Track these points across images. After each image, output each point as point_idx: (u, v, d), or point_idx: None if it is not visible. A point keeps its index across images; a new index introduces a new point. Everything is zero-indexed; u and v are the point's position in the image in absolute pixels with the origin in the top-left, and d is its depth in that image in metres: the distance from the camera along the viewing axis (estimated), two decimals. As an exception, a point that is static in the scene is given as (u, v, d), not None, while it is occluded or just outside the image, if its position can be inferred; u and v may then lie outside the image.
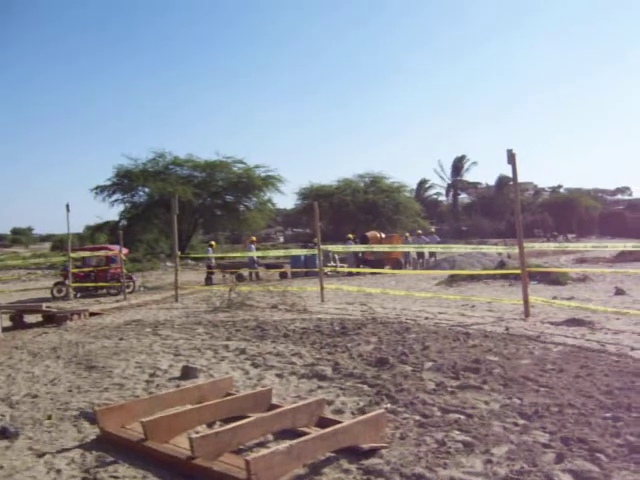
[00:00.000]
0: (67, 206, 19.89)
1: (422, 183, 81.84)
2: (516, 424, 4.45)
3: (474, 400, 5.12)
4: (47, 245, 70.89)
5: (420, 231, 31.82)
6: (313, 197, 45.65)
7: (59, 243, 52.39)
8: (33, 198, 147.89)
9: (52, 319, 12.26)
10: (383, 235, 28.06)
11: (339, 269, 23.89)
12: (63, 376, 6.92)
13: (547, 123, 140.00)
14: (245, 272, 25.31)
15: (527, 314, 9.96)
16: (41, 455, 4.31)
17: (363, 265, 24.80)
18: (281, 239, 76.08)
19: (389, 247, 20.94)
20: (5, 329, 11.19)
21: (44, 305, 12.96)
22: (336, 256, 25.01)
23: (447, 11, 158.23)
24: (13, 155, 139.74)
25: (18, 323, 12.27)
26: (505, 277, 16.27)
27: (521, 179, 10.40)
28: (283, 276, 25.09)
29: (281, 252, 24.89)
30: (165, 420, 4.42)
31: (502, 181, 74.74)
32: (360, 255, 25.28)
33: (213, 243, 27.61)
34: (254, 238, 28.43)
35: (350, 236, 28.03)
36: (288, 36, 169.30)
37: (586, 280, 16.02)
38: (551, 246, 16.78)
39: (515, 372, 5.97)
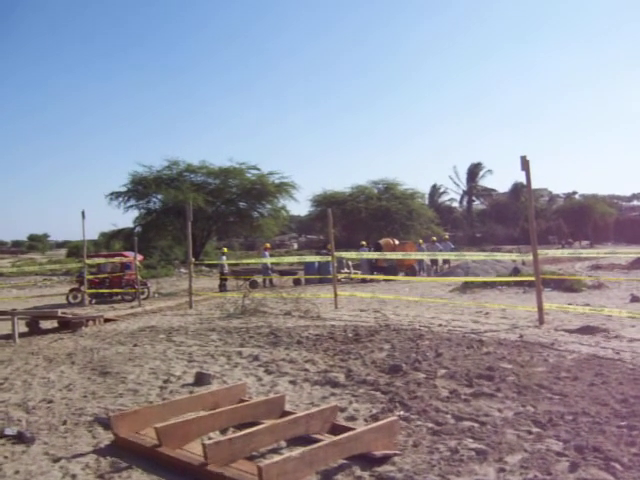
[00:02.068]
0: (83, 213, 20.05)
1: (435, 188, 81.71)
2: (530, 432, 4.42)
3: (487, 408, 5.10)
4: (63, 251, 71.48)
5: (434, 238, 31.74)
6: (327, 204, 45.73)
7: (75, 249, 52.86)
8: (49, 205, 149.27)
9: (67, 325, 12.34)
10: (396, 242, 28.01)
11: (353, 276, 23.86)
12: (78, 382, 6.97)
13: (562, 129, 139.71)
14: (259, 279, 25.36)
15: (541, 321, 9.91)
16: (56, 460, 4.35)
17: (377, 272, 24.77)
18: (295, 246, 76.18)
19: (403, 255, 20.88)
20: (21, 335, 11.28)
21: (60, 311, 13.01)
22: (350, 263, 24.98)
23: (463, 18, 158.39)
24: (30, 163, 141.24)
25: (34, 329, 12.37)
26: (519, 284, 16.18)
27: (536, 185, 10.38)
28: (297, 283, 25.08)
29: (295, 259, 24.92)
30: (179, 426, 4.43)
31: (517, 188, 74.46)
32: (374, 262, 25.25)
33: (225, 249, 27.65)
34: (268, 245, 28.50)
35: (364, 243, 28.01)
36: (302, 42, 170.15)
37: (601, 287, 15.88)
38: (565, 253, 16.61)
39: (529, 380, 5.94)
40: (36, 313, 13.80)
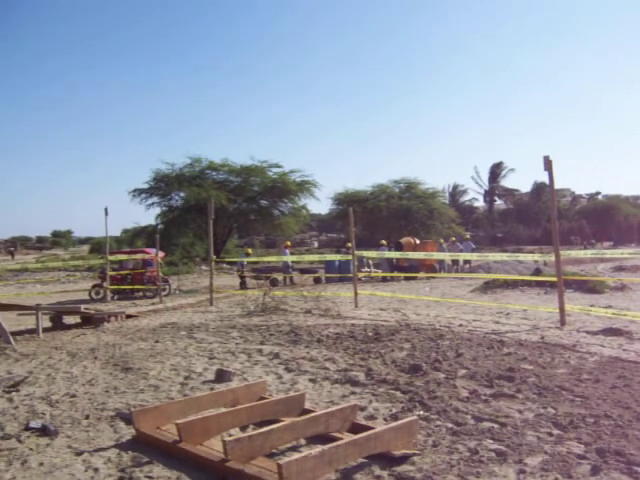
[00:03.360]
0: (106, 210, 20.24)
1: (455, 188, 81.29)
2: (550, 434, 4.40)
3: (508, 409, 5.08)
4: (85, 248, 72.35)
5: (454, 238, 31.57)
6: (348, 202, 45.78)
7: (97, 246, 53.49)
8: (73, 202, 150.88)
9: (90, 321, 12.47)
10: (417, 241, 27.93)
11: (373, 274, 23.83)
12: (100, 377, 7.05)
13: (586, 129, 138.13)
14: (279, 277, 25.42)
15: (563, 322, 9.83)
16: (79, 453, 4.40)
17: (397, 271, 24.71)
18: (315, 244, 76.24)
19: (424, 255, 20.83)
20: (45, 329, 11.41)
21: (82, 307, 13.16)
22: (370, 262, 24.95)
23: (489, 19, 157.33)
24: (55, 160, 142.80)
25: (57, 324, 12.50)
26: (541, 285, 16.04)
27: (558, 185, 10.31)
28: (317, 281, 25.13)
29: (315, 257, 24.96)
30: (199, 422, 4.47)
31: (539, 187, 73.82)
32: (395, 262, 25.20)
33: (250, 250, 27.69)
34: (289, 243, 28.56)
35: (383, 242, 27.96)
36: (324, 41, 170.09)
37: (624, 289, 15.68)
38: (588, 254, 16.45)
39: (550, 381, 5.90)
40: (59, 308, 13.95)
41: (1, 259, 56.75)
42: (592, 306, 11.65)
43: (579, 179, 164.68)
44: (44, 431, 4.87)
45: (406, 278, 22.89)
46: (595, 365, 6.70)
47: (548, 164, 9.98)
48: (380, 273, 23.92)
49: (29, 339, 10.58)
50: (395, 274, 23.48)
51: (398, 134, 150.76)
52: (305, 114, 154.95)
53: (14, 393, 6.35)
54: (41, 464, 4.21)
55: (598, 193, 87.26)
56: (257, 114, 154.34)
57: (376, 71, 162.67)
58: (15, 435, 4.82)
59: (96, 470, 4.07)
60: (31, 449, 4.53)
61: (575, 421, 4.63)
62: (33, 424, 5.02)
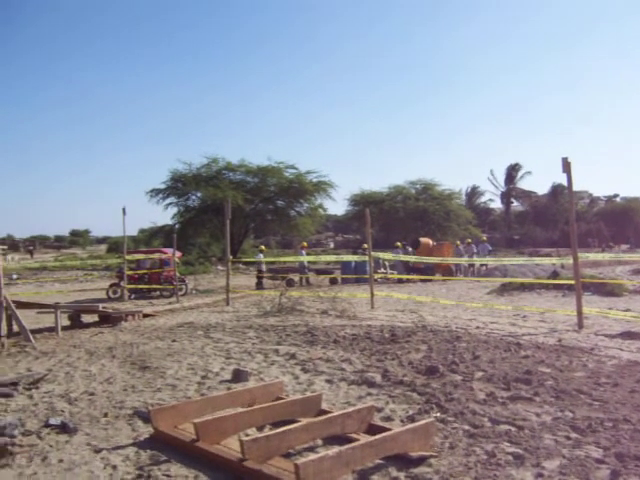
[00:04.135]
0: (123, 209, 20.39)
1: (474, 189, 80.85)
2: (568, 438, 4.37)
3: (525, 412, 5.06)
4: (103, 247, 72.81)
5: (470, 240, 31.40)
6: (364, 203, 45.73)
7: (114, 245, 53.82)
8: (91, 201, 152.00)
9: (107, 319, 12.58)
10: (433, 244, 27.84)
11: (389, 276, 23.78)
12: (118, 375, 7.11)
13: (604, 131, 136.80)
14: (296, 277, 25.44)
15: (581, 326, 9.76)
16: (98, 451, 4.45)
17: (413, 273, 24.64)
18: (331, 245, 76.17)
19: (440, 260, 20.79)
20: (64, 328, 11.53)
21: (100, 306, 13.27)
22: (386, 263, 24.90)
23: (508, 21, 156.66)
24: (72, 159, 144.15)
25: (76, 322, 12.63)
26: (558, 287, 15.93)
27: (576, 188, 10.23)
28: (333, 282, 25.10)
29: (332, 258, 24.95)
30: (216, 422, 4.50)
31: (556, 189, 73.25)
32: (411, 264, 25.13)
33: (263, 247, 27.78)
34: (305, 244, 28.58)
35: (398, 244, 27.88)
36: (341, 42, 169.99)
37: (643, 292, 15.57)
38: (606, 256, 16.34)
39: (568, 385, 5.87)
40: (78, 307, 14.09)
41: (21, 258, 57.30)
42: (610, 309, 11.57)
43: (597, 181, 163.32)
44: (63, 428, 4.93)
45: (422, 280, 22.83)
46: (613, 369, 6.64)
47: (567, 166, 9.92)
48: (396, 275, 23.86)
49: (48, 337, 10.69)
50: (411, 276, 23.39)
51: (414, 136, 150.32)
52: (321, 114, 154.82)
53: (34, 390, 6.44)
54: (61, 461, 4.27)
55: (616, 195, 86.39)
56: (274, 115, 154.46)
57: (394, 73, 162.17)
58: (35, 432, 4.89)
59: (114, 468, 4.12)
60: (51, 446, 4.59)
61: (593, 425, 4.60)
62: (53, 421, 5.09)
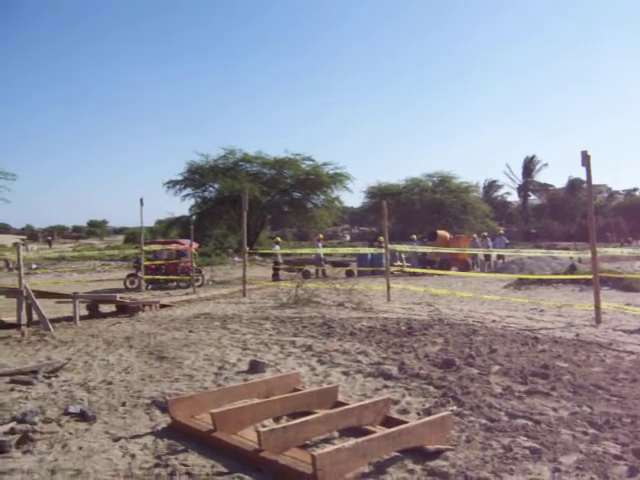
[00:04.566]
0: (141, 200, 20.52)
1: (492, 183, 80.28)
2: (586, 433, 4.35)
3: (542, 406, 5.04)
4: (120, 237, 73.31)
5: (485, 233, 31.19)
6: (381, 196, 45.68)
7: (131, 236, 54.16)
8: (108, 192, 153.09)
9: (125, 309, 12.67)
10: (449, 236, 27.72)
11: (405, 269, 23.74)
12: (136, 365, 7.16)
13: (623, 124, 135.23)
14: (312, 269, 25.46)
15: (598, 320, 9.69)
16: (116, 439, 4.49)
17: (429, 266, 24.56)
18: (347, 237, 76.10)
19: (456, 250, 20.68)
20: (82, 317, 11.64)
21: (118, 296, 13.37)
22: (403, 255, 24.84)
23: (528, 17, 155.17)
24: (91, 151, 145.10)
25: (94, 312, 12.75)
26: (575, 282, 15.82)
27: (595, 181, 10.11)
28: (349, 274, 25.10)
29: (348, 250, 24.92)
30: (233, 412, 4.52)
31: (574, 183, 72.57)
32: (427, 256, 25.04)
33: (279, 239, 27.80)
34: (321, 236, 28.58)
35: (414, 237, 27.78)
36: (357, 35, 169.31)
37: (663, 287, 15.39)
38: (625, 251, 16.17)
39: (585, 380, 5.83)
40: (96, 297, 14.21)
41: (39, 248, 57.88)
42: (628, 304, 11.46)
43: (616, 175, 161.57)
44: (83, 416, 4.98)
45: (439, 274, 22.76)
46: (632, 364, 6.59)
47: (586, 159, 9.83)
48: (412, 268, 23.80)
49: (67, 326, 10.80)
50: (427, 270, 23.31)
51: (431, 128, 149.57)
52: (338, 107, 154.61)
53: (53, 379, 6.51)
54: (80, 448, 4.31)
55: (636, 189, 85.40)
56: (290, 107, 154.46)
57: (412, 66, 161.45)
58: (55, 419, 4.95)
59: (133, 456, 4.15)
60: (70, 433, 4.64)
61: (611, 421, 4.56)
62: (72, 409, 5.14)
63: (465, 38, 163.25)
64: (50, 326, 10.05)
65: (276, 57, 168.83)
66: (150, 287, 20.81)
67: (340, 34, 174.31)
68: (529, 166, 78.32)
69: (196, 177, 43.66)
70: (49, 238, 74.70)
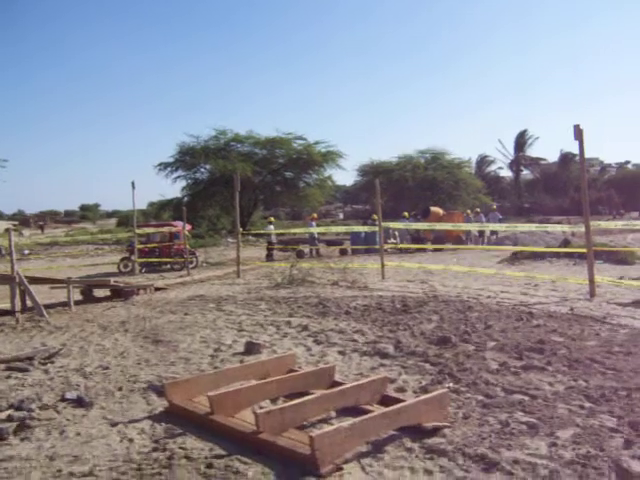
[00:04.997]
0: (133, 183, 20.42)
1: (483, 158, 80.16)
2: (582, 407, 4.37)
3: (538, 381, 5.06)
4: (113, 221, 73.01)
5: (478, 209, 31.20)
6: (373, 173, 45.63)
7: (124, 219, 53.92)
8: (100, 175, 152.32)
9: (119, 293, 12.62)
10: (444, 212, 27.73)
11: (400, 246, 23.76)
12: (132, 349, 7.16)
13: (615, 98, 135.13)
14: (306, 248, 25.44)
15: (592, 294, 9.73)
16: (114, 424, 4.49)
17: (421, 243, 24.57)
18: (340, 215, 76.10)
19: (451, 226, 20.72)
20: (76, 302, 11.58)
21: (112, 280, 13.32)
22: (396, 233, 24.86)
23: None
24: (81, 134, 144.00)
25: (88, 297, 12.69)
26: (569, 256, 15.87)
27: (587, 155, 10.09)
28: (343, 253, 25.12)
29: (342, 229, 24.92)
30: (231, 395, 4.52)
31: (566, 157, 72.57)
32: (420, 234, 25.04)
33: (272, 219, 27.74)
34: (315, 215, 28.53)
35: (406, 214, 27.79)
36: (352, 17, 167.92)
37: (656, 259, 15.48)
38: (619, 225, 16.21)
39: (580, 354, 5.86)
40: (90, 281, 14.16)
41: (32, 233, 57.64)
42: (622, 278, 11.52)
43: (608, 148, 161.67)
44: (79, 402, 4.98)
45: (433, 250, 22.80)
46: (626, 337, 6.63)
47: (579, 133, 9.80)
48: (406, 245, 23.83)
49: (61, 312, 10.75)
50: (421, 246, 23.33)
51: (425, 106, 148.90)
52: (332, 87, 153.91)
53: (49, 365, 6.49)
54: (78, 434, 4.31)
55: (627, 162, 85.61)
56: (282, 88, 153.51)
57: (405, 47, 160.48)
58: (52, 405, 4.94)
59: (131, 441, 4.16)
60: (68, 419, 4.64)
61: (607, 394, 4.59)
62: (69, 395, 5.13)
63: (459, 22, 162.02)
64: (44, 312, 10.00)
65: (270, 40, 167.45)
66: (144, 270, 20.73)
67: (332, 17, 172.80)
68: (521, 141, 78.20)
69: (187, 158, 43.31)
70: (41, 223, 74.33)
